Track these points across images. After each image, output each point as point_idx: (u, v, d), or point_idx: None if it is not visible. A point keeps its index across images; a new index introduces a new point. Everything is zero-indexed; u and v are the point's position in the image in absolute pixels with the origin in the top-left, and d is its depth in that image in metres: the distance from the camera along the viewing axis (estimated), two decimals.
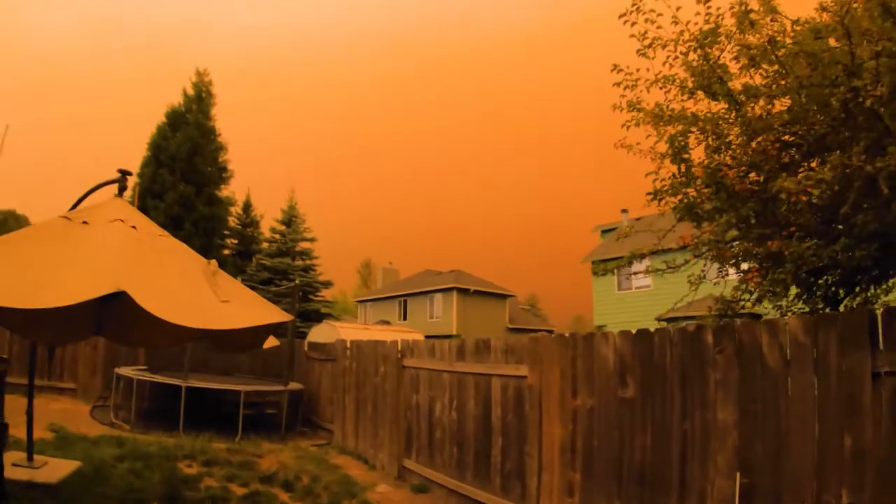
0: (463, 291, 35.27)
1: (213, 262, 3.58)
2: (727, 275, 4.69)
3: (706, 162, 4.22)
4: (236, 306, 3.21)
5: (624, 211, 29.01)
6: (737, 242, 4.01)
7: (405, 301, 38.59)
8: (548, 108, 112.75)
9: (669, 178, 4.54)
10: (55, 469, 4.57)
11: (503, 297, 38.43)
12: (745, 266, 4.57)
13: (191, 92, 26.38)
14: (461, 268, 39.28)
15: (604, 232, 30.11)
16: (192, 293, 3.13)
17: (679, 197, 4.57)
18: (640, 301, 24.35)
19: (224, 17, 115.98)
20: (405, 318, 37.41)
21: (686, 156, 4.41)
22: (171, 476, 6.18)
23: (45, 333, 4.72)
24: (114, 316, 4.43)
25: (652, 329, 4.34)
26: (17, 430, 5.19)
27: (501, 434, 5.70)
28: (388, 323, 33.52)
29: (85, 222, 3.26)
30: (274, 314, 3.50)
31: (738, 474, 3.46)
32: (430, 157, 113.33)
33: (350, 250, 72.26)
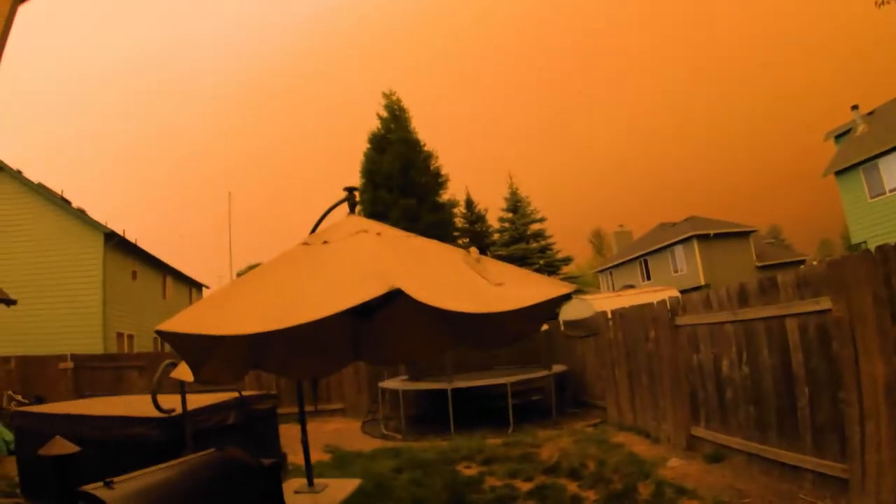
0: (703, 237, 31.74)
1: (474, 249, 3.13)
2: None
3: None
4: (513, 286, 2.73)
5: (854, 107, 23.75)
6: None
7: (645, 261, 36.10)
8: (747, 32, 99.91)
9: None
10: (336, 490, 4.41)
11: (745, 234, 33.61)
12: None
13: (384, 114, 27.88)
14: (695, 213, 35.69)
15: (837, 137, 24.92)
16: (464, 281, 2.70)
17: None
18: None
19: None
20: (648, 278, 35.01)
21: None
22: (452, 481, 5.94)
23: (304, 370, 4.64)
24: (371, 337, 4.27)
25: None
26: (297, 457, 5.33)
27: (807, 382, 4.62)
28: (632, 286, 31.78)
29: (325, 242, 2.93)
30: (555, 287, 2.98)
31: None
32: (633, 105, 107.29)
33: (578, 221, 70.83)
